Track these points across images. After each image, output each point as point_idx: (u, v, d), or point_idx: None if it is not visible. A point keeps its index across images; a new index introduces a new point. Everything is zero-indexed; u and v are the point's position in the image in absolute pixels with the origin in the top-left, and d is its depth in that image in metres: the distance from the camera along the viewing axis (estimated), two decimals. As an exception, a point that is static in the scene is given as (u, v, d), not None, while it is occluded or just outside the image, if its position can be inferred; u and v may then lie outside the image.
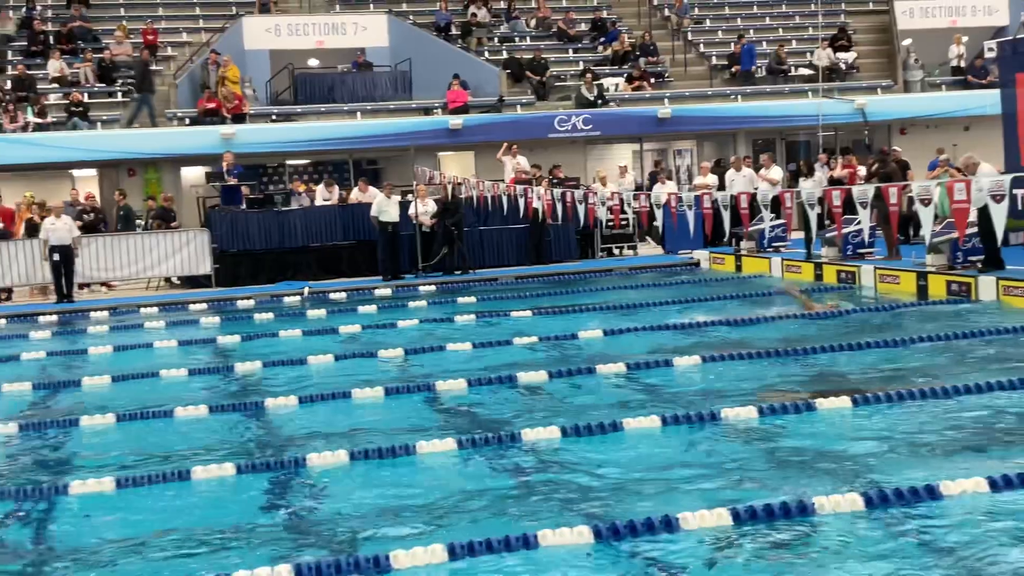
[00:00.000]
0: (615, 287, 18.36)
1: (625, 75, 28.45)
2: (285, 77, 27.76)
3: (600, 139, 27.43)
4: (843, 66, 29.84)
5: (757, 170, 21.16)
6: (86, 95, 25.42)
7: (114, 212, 22.51)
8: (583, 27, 30.97)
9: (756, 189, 19.36)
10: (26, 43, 27.09)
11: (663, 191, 20.81)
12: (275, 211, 21.55)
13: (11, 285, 20.30)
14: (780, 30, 32.36)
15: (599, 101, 27.04)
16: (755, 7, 33.26)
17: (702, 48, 30.80)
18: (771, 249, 19.54)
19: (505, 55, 28.95)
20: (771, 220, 18.69)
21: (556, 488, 7.20)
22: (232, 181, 21.78)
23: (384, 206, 20.20)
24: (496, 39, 30.11)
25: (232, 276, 20.57)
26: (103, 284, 21.34)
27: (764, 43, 31.00)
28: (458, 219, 20.63)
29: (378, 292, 18.80)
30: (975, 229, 14.34)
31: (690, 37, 30.99)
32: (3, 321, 17.46)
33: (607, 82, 27.93)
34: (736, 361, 11.05)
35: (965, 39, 30.86)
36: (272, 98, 27.96)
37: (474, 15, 30.03)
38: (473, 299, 17.50)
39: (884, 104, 28.51)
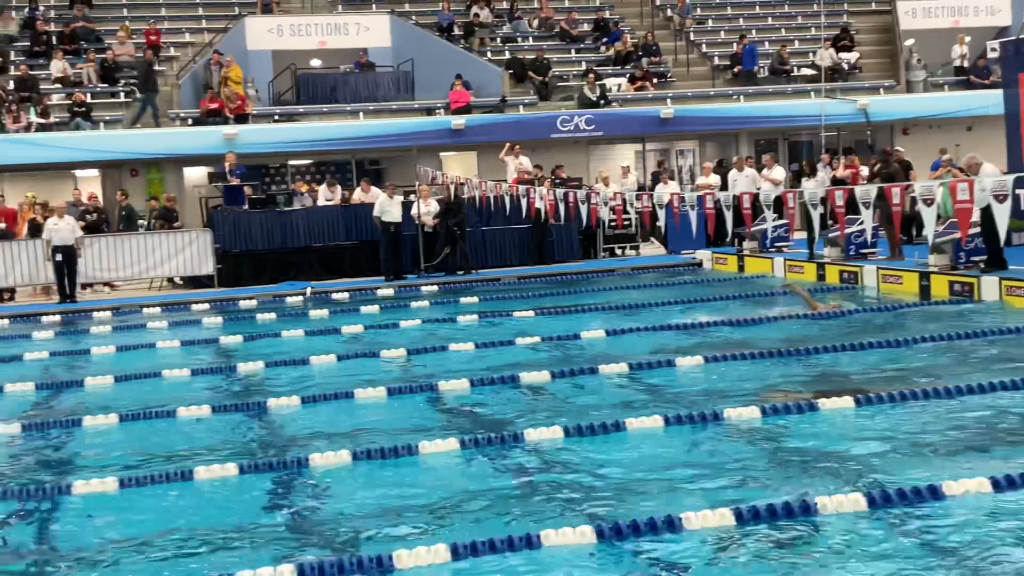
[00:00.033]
0: (617, 287, 18.35)
1: (627, 75, 28.46)
2: (287, 77, 27.80)
3: (603, 139, 27.43)
4: (845, 66, 29.81)
5: (759, 170, 21.16)
6: (89, 95, 25.44)
7: (116, 212, 22.51)
8: (585, 27, 30.98)
9: (759, 189, 19.37)
10: (29, 43, 27.12)
11: (666, 191, 20.82)
12: (277, 211, 21.55)
13: (14, 285, 20.29)
14: (782, 30, 32.35)
15: (601, 101, 27.03)
16: (757, 7, 33.26)
17: (704, 48, 30.79)
18: (774, 249, 19.53)
19: (507, 55, 28.97)
20: (773, 220, 18.69)
21: (559, 488, 7.20)
22: (235, 181, 21.80)
23: (387, 206, 20.20)
24: (498, 39, 30.13)
25: (235, 276, 20.56)
26: (106, 284, 21.34)
27: (766, 43, 31.00)
28: (460, 219, 20.62)
29: (380, 292, 18.79)
30: (978, 229, 14.34)
31: (692, 37, 30.97)
32: (6, 321, 17.45)
33: (609, 82, 27.93)
34: (739, 361, 11.04)
35: (968, 39, 30.85)
36: (275, 98, 27.98)
37: (476, 15, 30.05)
38: (475, 299, 17.51)
39: (887, 104, 28.50)
